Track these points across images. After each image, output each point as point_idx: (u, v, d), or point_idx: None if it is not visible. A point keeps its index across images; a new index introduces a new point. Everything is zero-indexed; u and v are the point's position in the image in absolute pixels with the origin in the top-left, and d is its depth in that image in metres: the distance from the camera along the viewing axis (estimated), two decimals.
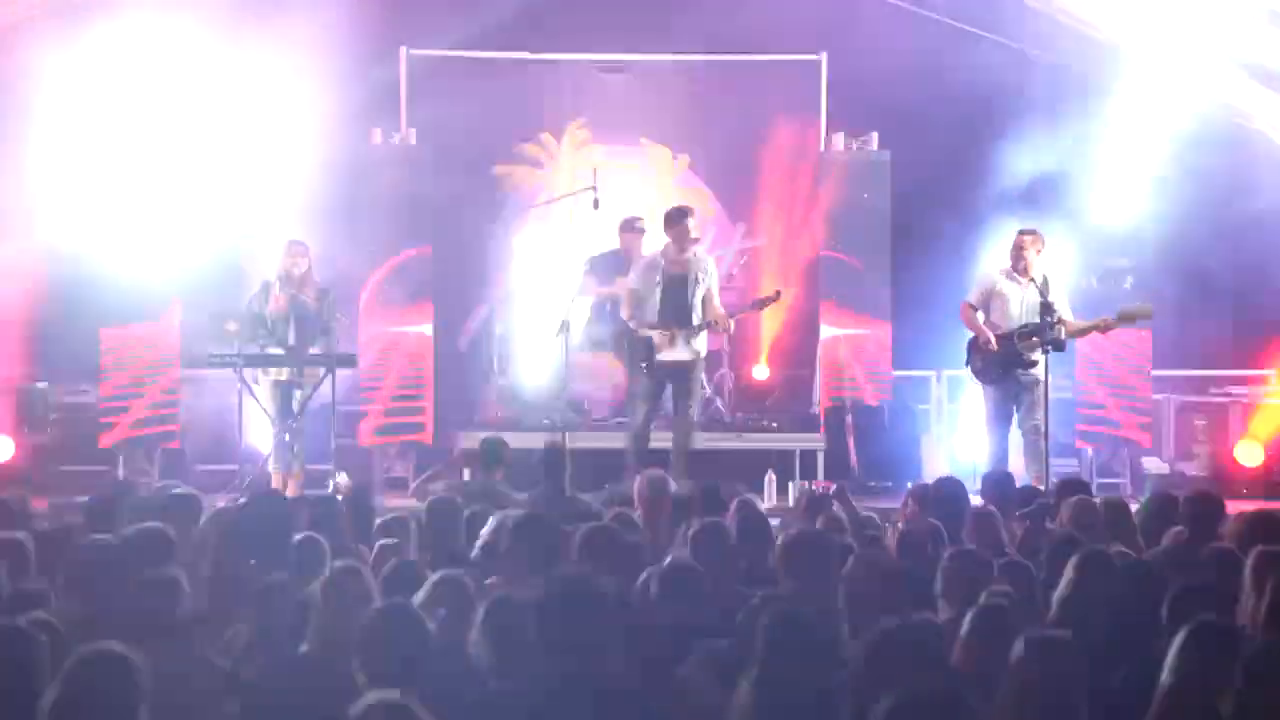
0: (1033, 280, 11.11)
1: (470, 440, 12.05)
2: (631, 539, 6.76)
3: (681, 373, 11.05)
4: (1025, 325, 11.11)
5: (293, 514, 7.06)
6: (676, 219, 11.04)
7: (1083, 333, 11.37)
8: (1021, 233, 11.29)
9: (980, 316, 11.22)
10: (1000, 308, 11.24)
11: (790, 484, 11.60)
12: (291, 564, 6.22)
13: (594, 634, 4.92)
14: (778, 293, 11.52)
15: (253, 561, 6.20)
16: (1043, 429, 11.00)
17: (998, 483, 8.78)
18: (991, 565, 6.21)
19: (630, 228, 12.82)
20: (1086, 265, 13.08)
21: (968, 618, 5.30)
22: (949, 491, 7.99)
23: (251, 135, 12.79)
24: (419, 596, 5.51)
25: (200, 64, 12.67)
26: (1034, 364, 11.08)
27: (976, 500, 8.41)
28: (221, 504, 8.35)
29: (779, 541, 6.47)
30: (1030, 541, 7.46)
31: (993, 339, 11.12)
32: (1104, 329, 11.27)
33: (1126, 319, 11.15)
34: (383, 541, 7.13)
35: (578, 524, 6.63)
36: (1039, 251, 11.20)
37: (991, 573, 6.11)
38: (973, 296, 11.35)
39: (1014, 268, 11.22)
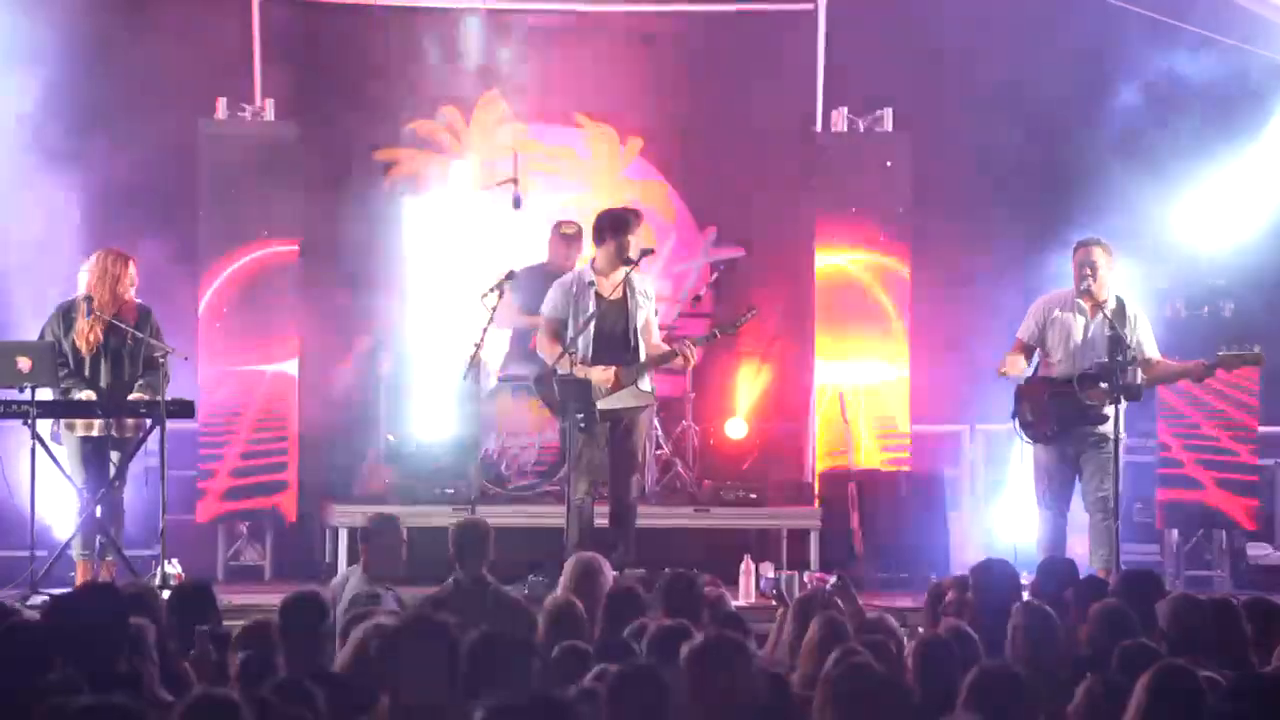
0: (1101, 307, 11.02)
1: (346, 516, 11.91)
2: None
3: (626, 423, 10.95)
4: (1090, 367, 11.01)
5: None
6: (615, 227, 10.94)
7: (1167, 380, 11.29)
8: (1084, 244, 11.17)
9: (1020, 363, 11.14)
10: (1059, 344, 11.12)
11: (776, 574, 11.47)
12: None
13: None
14: (750, 309, 11.39)
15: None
16: (1113, 504, 10.88)
17: (1058, 572, 8.63)
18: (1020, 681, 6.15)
19: (559, 233, 12.70)
20: (1170, 289, 13.01)
21: None
22: (998, 581, 7.92)
23: (46, 104, 12.61)
24: None
25: None
26: (1104, 418, 10.95)
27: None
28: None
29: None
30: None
31: (1018, 366, 11.07)
32: (1197, 377, 11.18)
33: (1228, 365, 11.06)
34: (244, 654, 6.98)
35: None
36: (1108, 268, 11.13)
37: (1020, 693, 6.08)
38: (1022, 330, 11.25)
39: (1078, 290, 11.12)
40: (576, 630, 7.38)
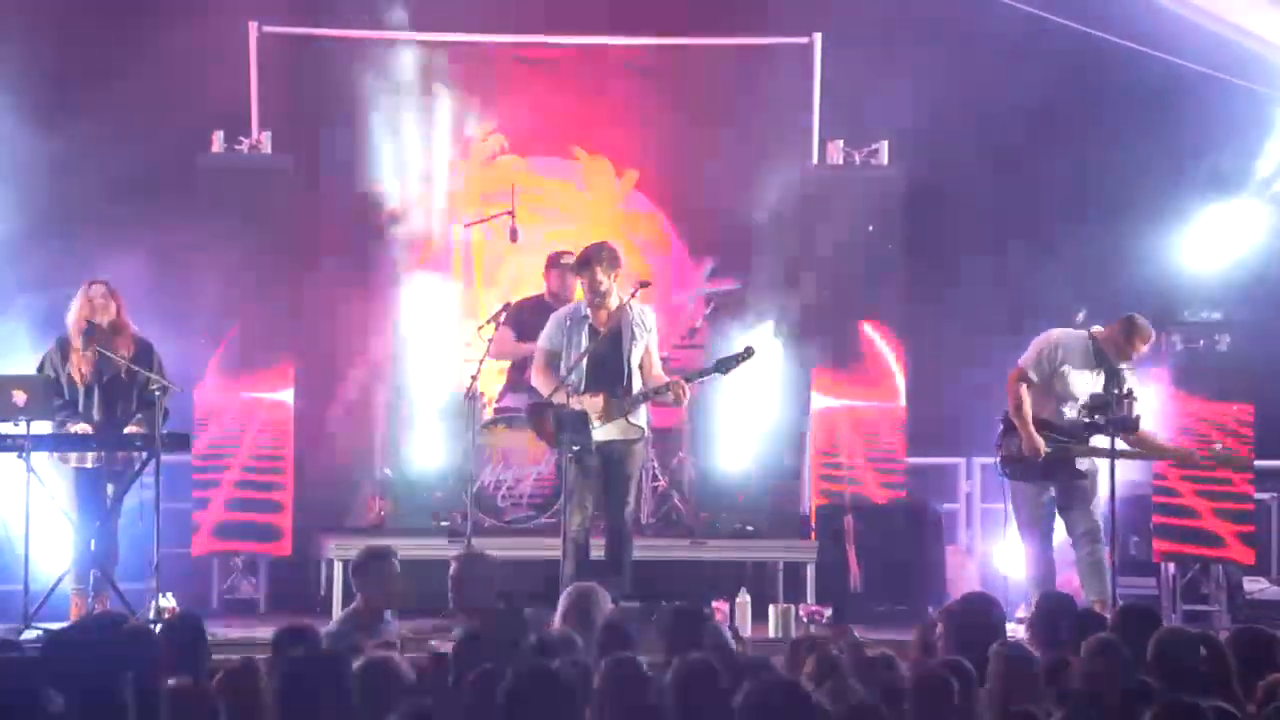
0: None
1: (342, 549, 11.86)
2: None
3: (618, 456, 10.91)
4: (1085, 429, 10.97)
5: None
6: (580, 263, 10.97)
7: (1156, 455, 11.32)
8: (1146, 336, 11.06)
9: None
10: (1062, 393, 11.07)
11: (771, 607, 11.43)
12: None
13: None
14: (749, 349, 11.36)
15: None
16: (1102, 533, 10.84)
17: (1057, 607, 8.54)
18: None
19: (560, 265, 12.65)
20: (1165, 318, 12.97)
21: None
22: (976, 616, 7.88)
23: (39, 138, 12.62)
24: None
25: None
26: (1082, 475, 10.99)
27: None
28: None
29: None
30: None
31: (1041, 447, 11.00)
32: (1185, 463, 11.35)
33: (1222, 463, 11.24)
34: None
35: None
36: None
37: None
38: (1032, 366, 11.13)
39: (1113, 352, 11.05)
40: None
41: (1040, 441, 10.99)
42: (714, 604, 10.94)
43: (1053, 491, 11.09)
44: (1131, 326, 11.00)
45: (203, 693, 6.33)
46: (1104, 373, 11.02)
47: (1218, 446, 11.27)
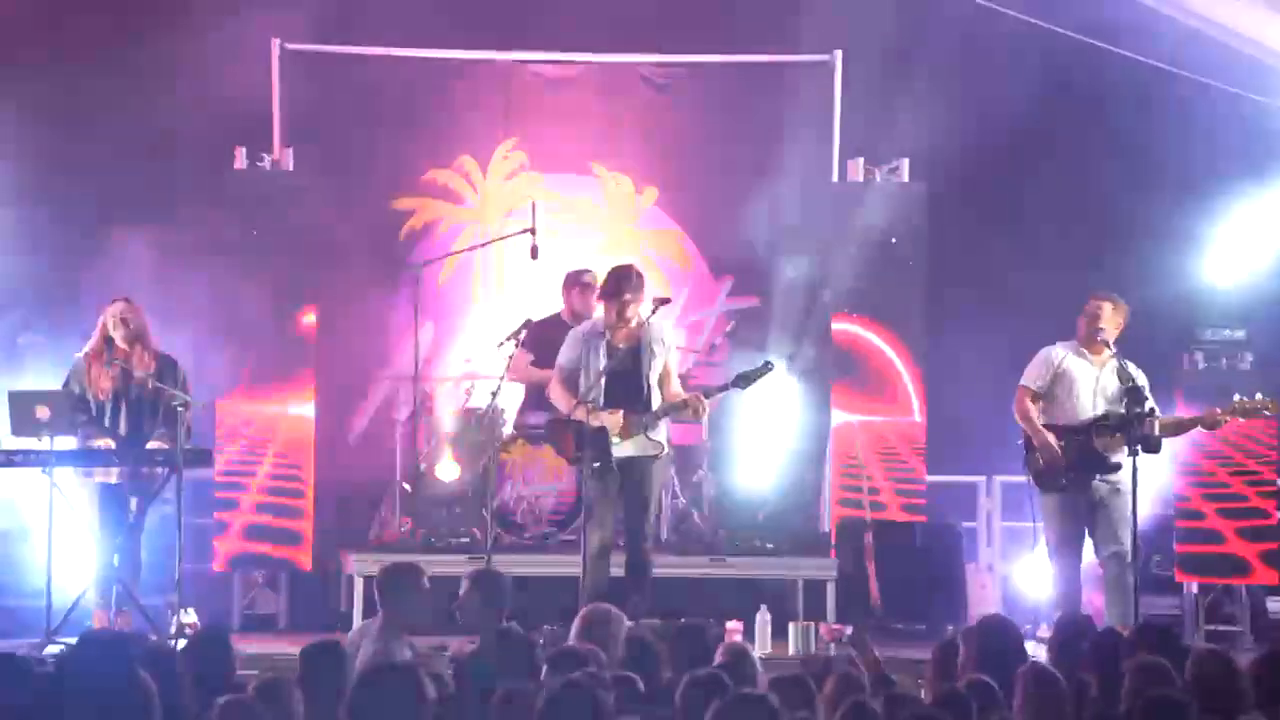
0: (1113, 357, 11.04)
1: (362, 565, 11.86)
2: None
3: (638, 473, 10.91)
4: (1106, 415, 11.00)
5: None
6: (612, 290, 10.90)
7: (1180, 430, 11.26)
8: (1098, 297, 11.20)
9: (1038, 414, 11.12)
10: (1068, 393, 11.11)
11: (791, 625, 11.42)
12: None
13: None
14: (767, 364, 11.35)
15: None
16: (1130, 557, 10.83)
17: (1075, 626, 8.53)
18: None
19: (577, 283, 12.65)
20: (1186, 337, 12.98)
21: None
22: (995, 638, 7.82)
23: (61, 156, 12.77)
24: None
25: None
26: (1116, 467, 10.93)
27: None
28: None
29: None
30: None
31: (1058, 450, 11.00)
32: (1210, 425, 11.16)
33: (1241, 414, 11.05)
34: None
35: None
36: (1120, 325, 11.14)
37: None
38: (1032, 379, 11.20)
39: (1085, 341, 11.13)
40: None
41: (1056, 448, 11.02)
42: (729, 624, 10.92)
43: (1082, 507, 11.06)
44: (1088, 305, 11.16)
45: (246, 708, 6.33)
46: (1103, 362, 11.05)
47: (1237, 398, 11.16)
